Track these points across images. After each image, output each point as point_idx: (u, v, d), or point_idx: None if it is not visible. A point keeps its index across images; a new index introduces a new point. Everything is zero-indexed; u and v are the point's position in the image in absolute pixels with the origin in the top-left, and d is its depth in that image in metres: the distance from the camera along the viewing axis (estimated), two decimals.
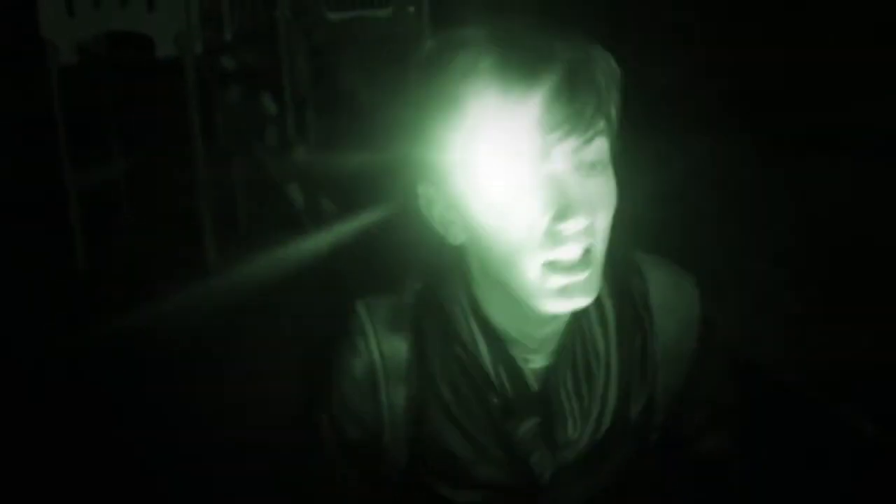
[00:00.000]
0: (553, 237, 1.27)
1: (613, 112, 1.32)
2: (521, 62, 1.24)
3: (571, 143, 1.25)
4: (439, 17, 7.68)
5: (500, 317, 1.40)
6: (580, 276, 1.30)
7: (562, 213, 1.26)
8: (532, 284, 1.30)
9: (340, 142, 6.53)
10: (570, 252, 1.28)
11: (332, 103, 7.06)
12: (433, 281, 1.45)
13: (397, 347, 1.43)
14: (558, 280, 1.30)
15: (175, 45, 5.34)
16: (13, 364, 4.46)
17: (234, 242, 5.93)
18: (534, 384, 1.43)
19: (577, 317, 1.42)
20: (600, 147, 1.29)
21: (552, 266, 1.29)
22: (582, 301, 1.32)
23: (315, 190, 5.52)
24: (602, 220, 1.30)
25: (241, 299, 5.03)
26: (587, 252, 1.30)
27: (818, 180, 6.66)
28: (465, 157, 1.27)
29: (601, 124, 1.28)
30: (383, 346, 1.43)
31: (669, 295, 1.49)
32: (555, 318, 1.40)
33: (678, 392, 1.54)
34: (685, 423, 1.57)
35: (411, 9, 7.79)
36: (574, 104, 1.24)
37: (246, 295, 5.07)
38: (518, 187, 1.26)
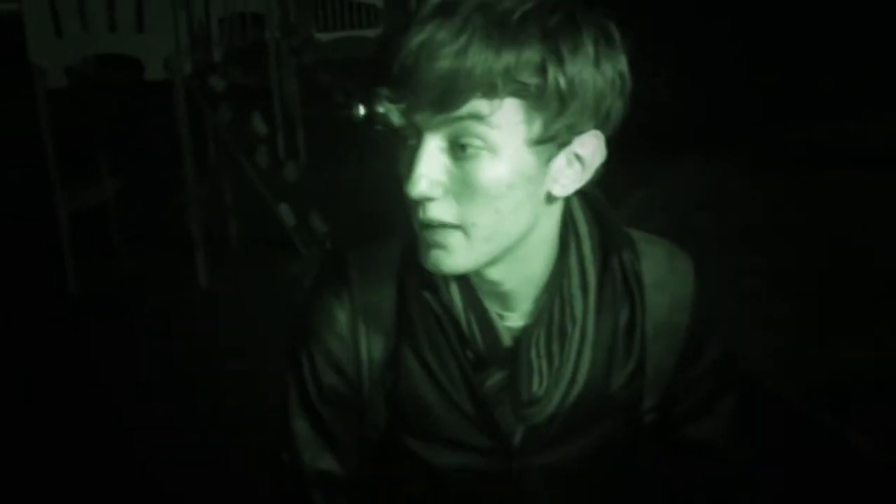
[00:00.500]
0: (408, 200, 1.31)
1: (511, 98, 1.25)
2: (443, 8, 1.23)
3: (433, 116, 1.24)
4: None
5: (477, 272, 1.40)
6: (442, 244, 1.31)
7: (407, 183, 1.28)
8: (416, 237, 1.35)
9: (331, 160, 6.54)
10: (421, 216, 1.30)
11: (323, 122, 7.07)
12: (413, 234, 1.41)
13: (380, 298, 1.45)
14: (424, 238, 1.33)
15: (164, 66, 5.34)
16: (6, 386, 4.45)
17: (225, 262, 5.93)
18: (507, 340, 1.43)
19: (558, 279, 1.42)
20: (483, 133, 1.25)
21: (419, 225, 1.32)
22: (447, 267, 1.33)
23: (306, 209, 5.51)
24: (474, 204, 1.29)
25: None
26: (455, 228, 1.31)
27: (811, 196, 6.67)
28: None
29: (480, 106, 1.23)
30: (366, 297, 1.45)
31: (663, 271, 1.48)
32: (505, 272, 1.39)
33: (670, 370, 1.52)
34: (676, 405, 1.56)
35: None
36: (449, 75, 1.21)
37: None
38: (398, 149, 1.31)
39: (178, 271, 5.79)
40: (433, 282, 1.41)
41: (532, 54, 1.22)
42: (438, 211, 1.29)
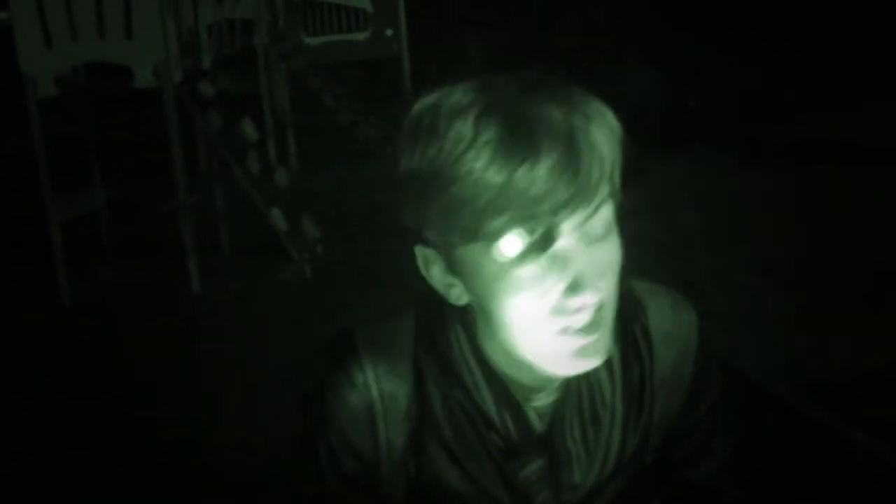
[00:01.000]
0: (563, 310, 1.25)
1: (616, 173, 1.26)
2: (521, 135, 1.18)
3: (577, 217, 1.21)
4: (417, 40, 7.71)
5: (502, 361, 1.37)
6: (592, 337, 1.27)
7: (571, 289, 1.24)
8: (544, 350, 1.29)
9: (322, 165, 6.55)
10: (582, 320, 1.26)
11: (313, 127, 7.08)
12: (430, 317, 1.42)
13: (397, 385, 1.41)
14: (571, 344, 1.28)
15: (154, 74, 5.35)
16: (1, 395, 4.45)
17: (218, 269, 5.93)
18: (537, 424, 1.41)
19: None
20: (606, 214, 1.26)
21: (565, 331, 1.27)
22: (595, 361, 1.30)
23: (298, 214, 5.51)
24: (611, 282, 1.28)
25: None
26: (598, 311, 1.28)
27: (799, 191, 6.69)
28: (466, 232, 1.22)
29: (606, 191, 1.24)
30: (382, 384, 1.41)
31: (669, 324, 1.47)
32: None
33: (673, 417, 1.52)
34: (679, 449, 1.56)
35: (389, 32, 7.82)
36: (578, 178, 1.20)
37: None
38: (524, 265, 1.23)
39: (170, 278, 5.79)
40: (457, 373, 1.39)
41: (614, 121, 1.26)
42: (593, 307, 1.28)
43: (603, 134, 1.23)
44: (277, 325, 4.83)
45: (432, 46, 8.18)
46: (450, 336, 1.39)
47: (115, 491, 3.70)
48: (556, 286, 1.24)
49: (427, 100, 1.26)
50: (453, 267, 1.29)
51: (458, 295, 1.32)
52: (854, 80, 8.70)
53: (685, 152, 7.56)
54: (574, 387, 1.41)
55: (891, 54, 8.71)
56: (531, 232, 1.22)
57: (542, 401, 1.41)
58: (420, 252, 1.31)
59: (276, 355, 4.35)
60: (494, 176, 1.18)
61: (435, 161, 1.21)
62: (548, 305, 1.25)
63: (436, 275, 1.31)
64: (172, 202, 5.72)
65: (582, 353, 1.29)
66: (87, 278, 5.87)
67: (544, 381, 1.39)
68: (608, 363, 1.40)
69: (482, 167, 1.19)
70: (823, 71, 8.89)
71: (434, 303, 1.40)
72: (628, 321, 1.44)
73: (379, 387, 1.41)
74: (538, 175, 1.18)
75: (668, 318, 1.46)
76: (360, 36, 7.85)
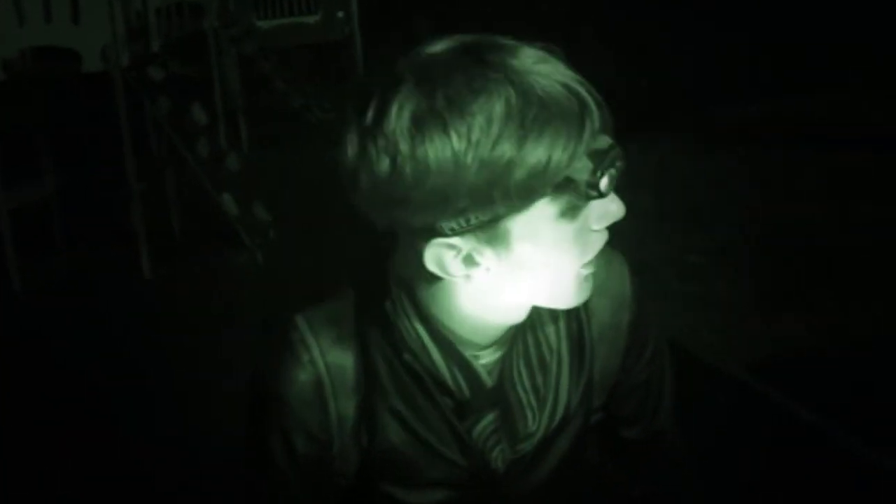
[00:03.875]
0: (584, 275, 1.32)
1: None
2: (543, 93, 1.19)
3: (618, 166, 1.24)
4: (368, 21, 7.69)
5: (450, 321, 1.37)
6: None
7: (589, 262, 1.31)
8: (568, 294, 1.34)
9: (273, 149, 6.52)
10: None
11: (264, 111, 7.05)
12: (372, 289, 1.40)
13: (342, 358, 1.40)
14: (589, 279, 1.34)
15: (102, 58, 5.30)
16: None
17: (169, 255, 5.90)
18: (488, 380, 1.40)
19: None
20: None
21: (588, 267, 1.32)
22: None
23: (249, 198, 5.49)
24: None
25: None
26: None
27: (751, 173, 6.74)
28: (526, 193, 1.21)
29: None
30: (328, 358, 1.40)
31: (601, 275, 1.44)
32: (518, 316, 1.39)
33: (615, 370, 1.53)
34: (620, 407, 1.57)
35: (340, 14, 7.79)
36: (608, 122, 1.23)
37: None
38: (564, 243, 1.26)
39: (121, 265, 5.75)
40: (402, 338, 1.38)
41: None
42: None
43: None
44: (230, 311, 4.81)
45: (384, 27, 8.15)
46: (395, 304, 1.37)
47: (67, 478, 3.68)
48: (604, 235, 1.29)
49: (410, 91, 1.20)
50: (490, 244, 1.26)
51: (479, 276, 1.29)
52: (808, 61, 8.76)
53: (638, 134, 7.60)
54: (521, 338, 1.42)
55: (843, 35, 8.78)
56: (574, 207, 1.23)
57: (490, 357, 1.41)
58: (435, 246, 1.26)
59: (229, 340, 4.33)
60: (537, 143, 1.18)
61: (467, 146, 1.18)
62: (574, 273, 1.30)
63: (454, 265, 1.28)
64: (123, 189, 5.67)
65: (588, 279, 1.34)
66: (37, 266, 5.82)
67: (495, 337, 1.40)
68: (552, 311, 1.42)
69: (522, 138, 1.18)
70: (778, 52, 8.94)
71: (374, 274, 1.40)
72: None
73: (325, 361, 1.40)
74: (586, 129, 1.20)
75: (601, 269, 1.43)
76: (311, 19, 7.82)
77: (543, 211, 1.22)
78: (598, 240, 1.29)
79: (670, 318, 4.63)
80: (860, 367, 4.05)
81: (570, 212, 1.24)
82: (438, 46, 1.23)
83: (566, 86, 1.20)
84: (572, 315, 1.45)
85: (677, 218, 5.93)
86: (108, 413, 4.10)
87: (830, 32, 8.79)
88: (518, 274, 1.28)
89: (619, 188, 1.25)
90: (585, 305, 1.44)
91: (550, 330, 1.44)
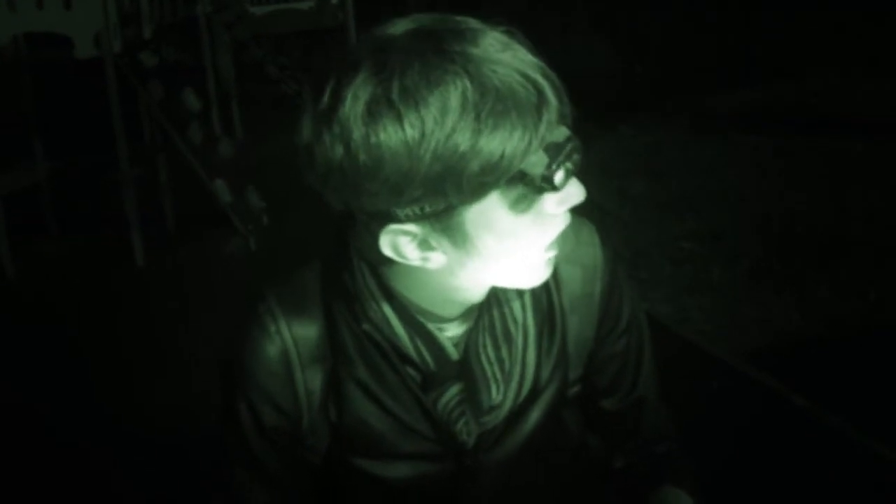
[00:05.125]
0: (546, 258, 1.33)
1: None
2: (501, 85, 1.17)
3: (574, 159, 1.22)
4: (362, 8, 7.67)
5: (412, 295, 1.38)
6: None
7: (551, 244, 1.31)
8: (529, 277, 1.34)
9: (266, 135, 6.51)
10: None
11: (257, 97, 7.04)
12: (336, 262, 1.42)
13: (308, 330, 1.42)
14: (551, 262, 1.35)
15: (94, 44, 5.29)
16: None
17: (162, 241, 5.89)
18: (453, 352, 1.42)
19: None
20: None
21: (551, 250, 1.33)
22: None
23: (242, 185, 5.48)
24: None
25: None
26: None
27: (746, 159, 6.74)
28: (479, 185, 1.20)
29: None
30: (294, 330, 1.42)
31: (571, 244, 1.48)
32: (479, 294, 1.40)
33: (590, 340, 1.54)
34: (599, 374, 1.57)
35: (334, 0, 7.77)
36: (567, 114, 1.22)
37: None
38: (520, 231, 1.26)
39: (114, 252, 5.75)
40: (364, 310, 1.39)
41: None
42: None
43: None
44: (222, 298, 4.80)
45: (377, 14, 8.14)
46: (356, 278, 1.39)
47: (59, 464, 3.68)
48: (564, 219, 1.29)
49: (375, 74, 1.19)
50: (445, 233, 1.26)
51: (436, 260, 1.29)
52: (800, 47, 8.77)
53: (632, 119, 7.60)
54: (486, 311, 1.43)
55: (836, 21, 8.79)
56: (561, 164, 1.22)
57: (455, 330, 1.42)
58: (390, 232, 1.26)
59: (221, 327, 4.32)
60: (495, 133, 1.17)
61: (424, 132, 1.17)
62: (539, 255, 1.31)
63: (409, 250, 1.28)
64: (115, 174, 5.66)
65: (552, 262, 1.35)
66: (30, 252, 5.81)
67: (459, 312, 1.41)
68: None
69: (478, 127, 1.17)
70: (771, 38, 8.95)
71: (339, 247, 1.41)
72: None
73: (291, 333, 1.42)
74: (543, 116, 1.18)
75: (570, 239, 1.47)
76: (305, 5, 7.81)
77: (497, 201, 1.22)
78: (559, 223, 1.29)
79: (663, 303, 4.65)
80: (853, 354, 4.06)
81: (525, 202, 1.23)
82: (398, 28, 1.22)
83: (525, 75, 1.18)
84: (540, 286, 1.44)
85: (671, 204, 5.93)
86: (100, 400, 4.10)
87: (827, 18, 8.81)
88: (476, 259, 1.28)
89: (580, 172, 1.23)
90: (555, 276, 1.46)
91: (516, 303, 1.45)
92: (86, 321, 4.87)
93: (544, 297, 1.48)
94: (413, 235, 1.26)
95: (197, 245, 5.78)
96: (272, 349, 1.42)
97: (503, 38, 1.21)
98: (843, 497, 3.09)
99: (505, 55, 1.19)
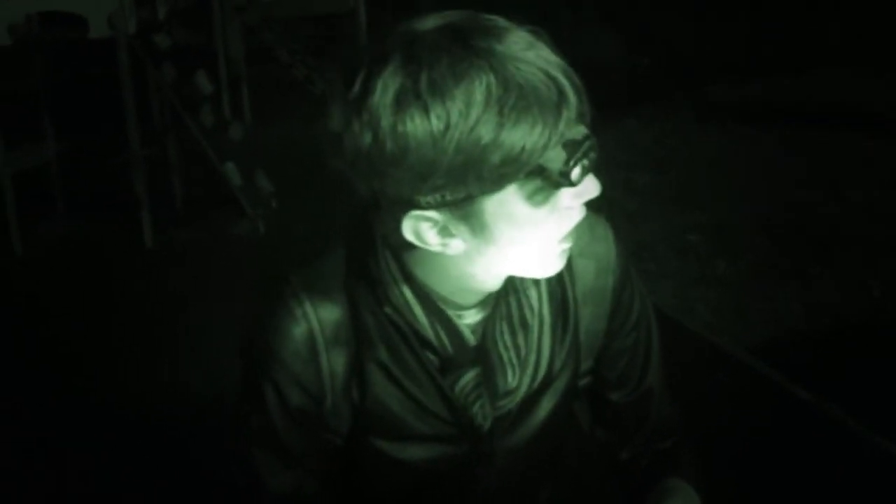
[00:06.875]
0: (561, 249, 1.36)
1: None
2: (524, 80, 1.21)
3: (591, 157, 1.25)
4: None
5: (432, 282, 1.42)
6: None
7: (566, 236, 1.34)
8: (544, 267, 1.38)
9: (276, 119, 6.52)
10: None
11: (268, 81, 7.05)
12: (359, 246, 1.45)
13: (333, 313, 1.45)
14: (565, 253, 1.38)
15: (108, 24, 5.31)
16: None
17: (171, 222, 5.92)
18: (471, 338, 1.46)
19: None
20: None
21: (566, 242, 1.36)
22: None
23: (252, 168, 5.50)
24: None
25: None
26: None
27: (751, 152, 6.75)
28: (489, 190, 1.25)
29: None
30: (319, 313, 1.44)
31: (586, 239, 1.53)
32: (496, 283, 1.43)
33: (601, 333, 1.58)
34: (609, 367, 1.61)
35: None
36: (586, 113, 1.25)
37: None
38: (538, 222, 1.29)
39: (123, 232, 5.77)
40: (385, 294, 1.43)
41: None
42: None
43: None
44: (230, 279, 4.83)
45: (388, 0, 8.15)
46: (380, 263, 1.42)
47: (67, 442, 3.71)
48: (580, 212, 1.32)
49: (391, 72, 1.23)
50: (465, 220, 1.30)
51: (455, 246, 1.33)
52: (805, 42, 8.77)
53: (639, 112, 7.61)
54: (504, 300, 1.47)
55: (841, 18, 8.79)
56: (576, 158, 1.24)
57: (474, 317, 1.46)
58: (413, 218, 1.30)
59: (230, 309, 4.35)
60: (515, 128, 1.21)
61: (447, 123, 1.21)
62: (566, 230, 1.33)
63: (430, 236, 1.32)
64: (125, 155, 5.68)
65: (566, 253, 1.38)
66: (39, 231, 5.84)
67: (477, 299, 1.45)
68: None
69: (500, 122, 1.20)
70: (777, 32, 8.95)
71: (362, 233, 1.44)
72: None
73: (317, 316, 1.45)
74: (562, 113, 1.22)
75: (584, 234, 1.51)
76: None
77: (516, 193, 1.26)
78: (574, 216, 1.32)
79: (668, 295, 4.67)
80: (857, 347, 4.08)
81: (542, 194, 1.27)
82: (428, 24, 1.26)
83: (547, 73, 1.22)
84: (555, 277, 1.48)
85: (676, 197, 5.95)
86: (107, 379, 4.12)
87: (831, 13, 8.81)
88: (493, 247, 1.32)
89: (596, 168, 1.26)
90: (569, 268, 1.50)
91: (533, 292, 1.49)
92: (93, 300, 4.90)
93: (559, 289, 1.52)
94: (434, 222, 1.30)
95: (205, 226, 5.80)
96: (298, 331, 1.45)
97: (528, 37, 1.25)
98: (846, 489, 3.11)
99: (529, 53, 1.23)
